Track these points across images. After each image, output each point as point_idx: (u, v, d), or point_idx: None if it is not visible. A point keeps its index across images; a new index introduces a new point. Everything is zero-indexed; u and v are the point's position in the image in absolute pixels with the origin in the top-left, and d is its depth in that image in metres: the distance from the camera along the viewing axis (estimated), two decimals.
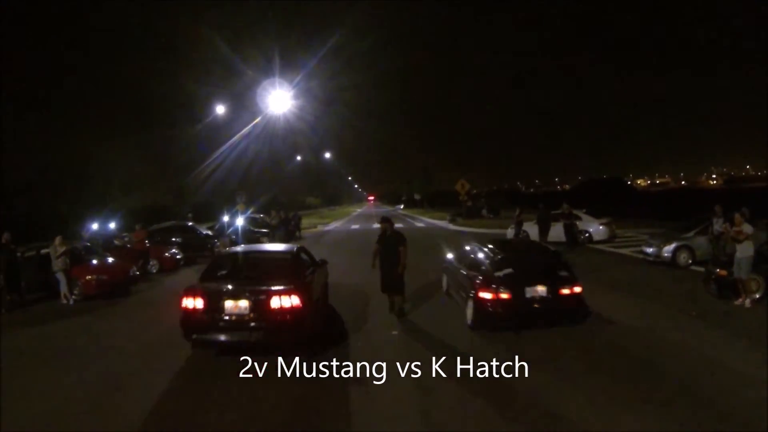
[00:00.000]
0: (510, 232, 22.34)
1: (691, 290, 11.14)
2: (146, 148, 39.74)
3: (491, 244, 9.81)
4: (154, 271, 16.08)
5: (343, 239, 28.89)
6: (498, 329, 8.29)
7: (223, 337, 7.07)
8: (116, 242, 16.81)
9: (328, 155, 76.15)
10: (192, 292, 7.14)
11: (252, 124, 35.60)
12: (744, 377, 6.20)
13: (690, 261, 14.12)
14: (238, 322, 7.02)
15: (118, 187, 38.77)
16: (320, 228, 39.61)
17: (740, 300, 9.76)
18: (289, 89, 35.45)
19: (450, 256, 11.71)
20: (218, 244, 20.28)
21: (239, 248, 9.98)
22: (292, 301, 6.97)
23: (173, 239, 19.38)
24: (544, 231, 20.27)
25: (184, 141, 39.03)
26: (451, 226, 35.66)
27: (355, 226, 41.16)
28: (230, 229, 22.39)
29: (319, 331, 8.05)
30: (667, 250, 14.35)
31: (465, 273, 9.40)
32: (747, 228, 9.84)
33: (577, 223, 20.31)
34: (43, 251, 12.68)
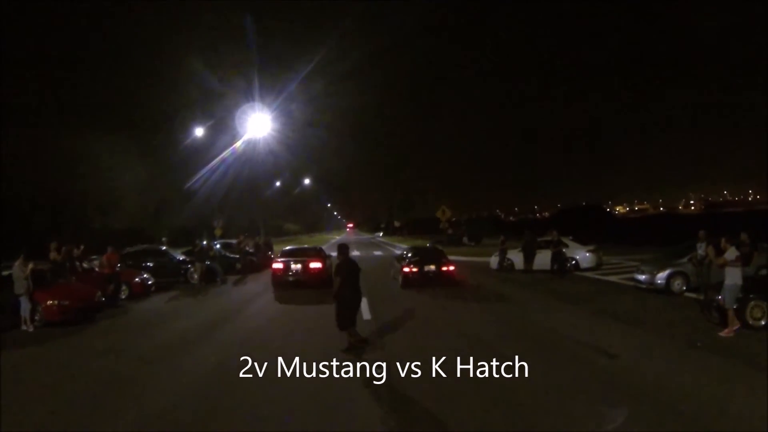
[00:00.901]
0: (494, 260, 21.93)
1: (690, 318, 10.65)
2: (123, 170, 38.62)
3: (409, 250, 19.57)
4: (123, 296, 15.09)
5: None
6: (412, 287, 16.14)
7: (290, 280, 16.38)
8: (84, 265, 15.75)
9: (307, 181, 75.37)
10: (278, 262, 16.80)
11: (231, 148, 34.96)
12: None
13: (684, 287, 13.71)
14: (296, 274, 16.40)
15: (95, 207, 37.77)
16: None
17: (725, 331, 9.14)
18: (269, 112, 34.93)
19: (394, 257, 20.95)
20: (192, 270, 19.37)
21: (289, 247, 20.26)
22: (318, 265, 16.58)
23: (145, 264, 18.43)
24: (529, 258, 19.91)
25: (161, 164, 38.11)
26: None
27: (332, 253, 40.27)
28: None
29: (327, 279, 15.44)
30: (661, 276, 13.92)
31: (398, 264, 17.98)
32: (729, 254, 9.27)
33: (564, 250, 19.98)
34: (5, 273, 11.70)
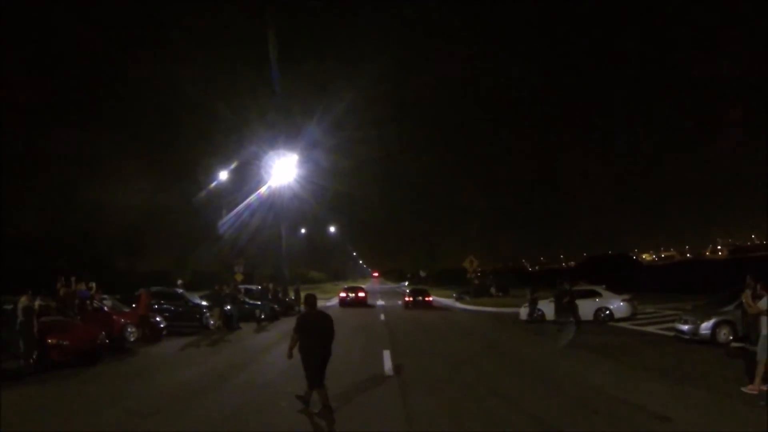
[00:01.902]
0: (523, 311, 20.91)
1: (742, 372, 9.48)
2: (148, 213, 39.07)
3: (408, 287, 52.13)
4: (132, 339, 14.49)
5: (342, 315, 27.59)
6: (410, 309, 30.03)
7: (348, 301, 33.75)
8: (95, 304, 15.19)
9: (333, 229, 75.25)
10: (343, 292, 35.65)
11: (256, 193, 34.93)
12: None
13: (731, 337, 12.55)
14: (353, 299, 33.93)
15: (120, 249, 37.97)
16: (322, 303, 38.05)
17: (750, 387, 8.13)
18: (295, 158, 34.96)
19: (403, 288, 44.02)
20: (209, 315, 18.77)
21: (347, 285, 49.48)
22: (362, 294, 35.13)
23: (159, 306, 17.89)
24: (560, 309, 18.88)
25: (186, 208, 38.28)
26: (459, 305, 34.13)
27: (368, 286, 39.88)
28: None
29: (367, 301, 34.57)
30: (706, 327, 12.82)
31: (402, 292, 41.72)
32: (763, 302, 8.33)
33: (597, 299, 19.12)
34: (6, 306, 11.24)
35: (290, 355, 7.34)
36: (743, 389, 8.20)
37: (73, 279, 14.05)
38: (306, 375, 7.18)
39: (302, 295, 30.90)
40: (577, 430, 6.65)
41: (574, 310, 17.79)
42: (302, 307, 7.78)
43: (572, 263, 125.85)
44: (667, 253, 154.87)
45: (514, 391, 8.78)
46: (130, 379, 10.09)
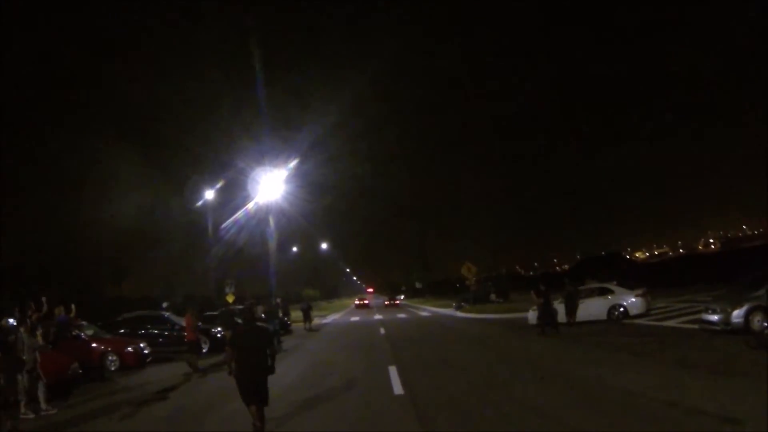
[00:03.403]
0: (531, 315, 19.78)
1: None
2: (134, 234, 37.77)
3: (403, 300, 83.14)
4: (113, 368, 13.21)
5: (340, 332, 26.53)
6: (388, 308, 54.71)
7: (357, 306, 65.81)
8: (74, 332, 13.86)
9: (324, 246, 73.88)
10: (357, 300, 74.57)
11: (243, 209, 33.68)
12: None
13: (765, 324, 11.49)
14: (360, 304, 67.82)
15: (107, 274, 36.66)
16: (317, 321, 36.80)
17: None
18: (284, 174, 33.79)
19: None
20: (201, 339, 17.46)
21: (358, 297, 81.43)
22: (367, 301, 74.42)
23: (143, 331, 16.60)
24: (571, 310, 17.88)
25: (172, 229, 37.04)
26: (459, 314, 33.04)
27: (354, 318, 38.72)
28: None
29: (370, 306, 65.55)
30: (737, 314, 11.75)
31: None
32: None
33: (609, 297, 18.14)
34: None
35: (230, 371, 6.87)
36: None
37: (44, 299, 12.45)
38: (239, 391, 6.73)
39: (311, 313, 30.10)
40: None
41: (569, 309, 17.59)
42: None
43: (566, 266, 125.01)
44: (661, 250, 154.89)
45: (549, 406, 7.39)
46: (98, 414, 8.76)
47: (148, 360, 14.51)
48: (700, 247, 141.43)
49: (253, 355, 6.80)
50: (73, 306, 14.14)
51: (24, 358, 8.67)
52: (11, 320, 9.54)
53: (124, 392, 10.94)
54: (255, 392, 6.71)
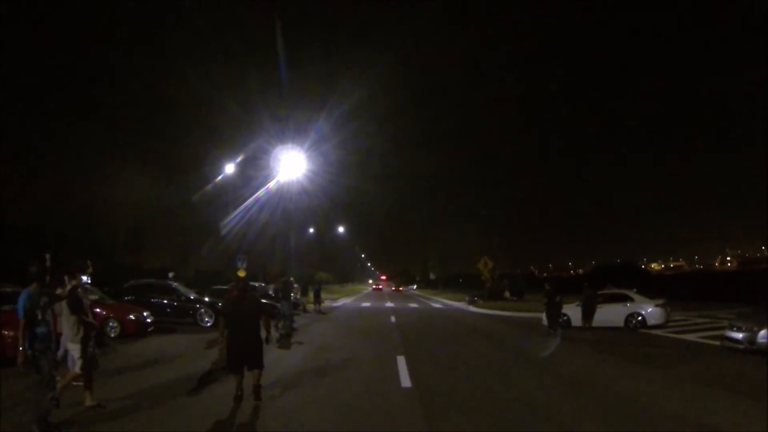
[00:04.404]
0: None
1: None
2: (152, 208, 37.79)
3: (416, 290, 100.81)
4: (113, 335, 13.00)
5: (350, 316, 26.30)
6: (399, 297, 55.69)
7: (372, 290, 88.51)
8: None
9: (341, 229, 73.56)
10: (373, 286, 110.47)
11: (265, 188, 33.46)
12: None
13: None
14: (377, 288, 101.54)
15: (124, 243, 36.67)
16: (327, 304, 36.64)
17: None
18: (303, 153, 33.47)
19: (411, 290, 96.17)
20: (203, 311, 17.25)
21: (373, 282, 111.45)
22: (381, 286, 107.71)
23: (148, 300, 16.40)
24: (588, 314, 17.26)
25: (189, 204, 36.83)
26: (471, 308, 32.47)
27: (365, 304, 38.31)
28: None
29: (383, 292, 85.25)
30: (764, 335, 11.11)
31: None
32: None
33: (628, 304, 17.49)
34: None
35: (220, 343, 7.19)
36: None
37: (47, 256, 11.96)
38: (227, 360, 7.06)
39: (321, 295, 29.89)
40: None
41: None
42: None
43: (580, 271, 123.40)
44: (676, 264, 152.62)
45: (567, 416, 6.75)
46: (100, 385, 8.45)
47: (150, 329, 14.24)
48: (717, 264, 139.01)
49: (245, 323, 7.01)
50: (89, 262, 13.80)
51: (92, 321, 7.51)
52: (84, 278, 8.32)
53: (120, 357, 10.64)
54: (249, 354, 6.97)
